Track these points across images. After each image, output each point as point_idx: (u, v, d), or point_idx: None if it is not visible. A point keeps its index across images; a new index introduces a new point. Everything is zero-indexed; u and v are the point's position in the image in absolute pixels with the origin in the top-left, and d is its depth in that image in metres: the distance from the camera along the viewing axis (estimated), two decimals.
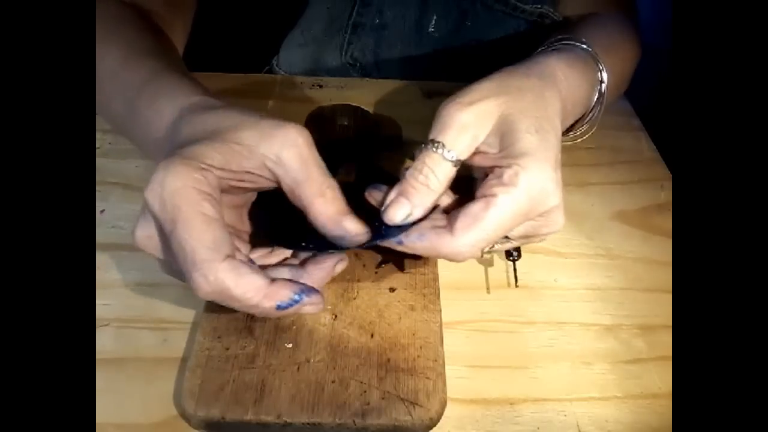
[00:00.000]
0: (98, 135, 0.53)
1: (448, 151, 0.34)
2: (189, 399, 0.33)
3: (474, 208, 0.33)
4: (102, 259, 0.43)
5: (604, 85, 0.44)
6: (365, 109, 0.56)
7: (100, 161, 0.50)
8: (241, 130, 0.32)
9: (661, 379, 0.39)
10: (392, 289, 0.40)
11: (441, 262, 0.42)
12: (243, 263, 0.30)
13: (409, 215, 0.34)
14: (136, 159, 0.51)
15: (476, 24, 0.62)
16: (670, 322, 0.42)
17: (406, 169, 0.35)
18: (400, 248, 0.35)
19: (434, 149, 0.34)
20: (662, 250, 0.47)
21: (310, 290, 0.32)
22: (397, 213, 0.34)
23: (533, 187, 0.33)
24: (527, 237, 0.37)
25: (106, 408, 0.34)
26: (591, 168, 0.55)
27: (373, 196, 0.36)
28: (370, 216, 0.35)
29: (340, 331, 0.37)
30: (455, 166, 0.35)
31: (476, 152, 0.35)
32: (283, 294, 0.31)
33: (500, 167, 0.34)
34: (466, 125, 0.34)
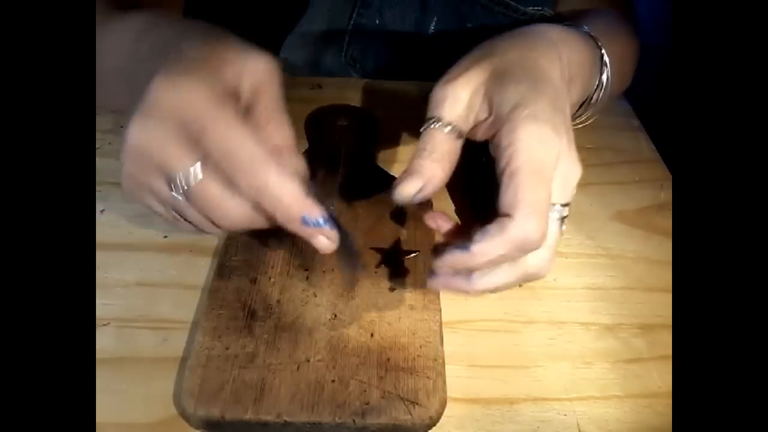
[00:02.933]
0: (98, 135, 0.53)
1: (447, 124, 0.33)
2: (189, 398, 0.33)
3: (503, 186, 0.31)
4: (102, 259, 0.43)
5: (606, 66, 0.43)
6: (365, 109, 0.56)
7: (100, 161, 0.50)
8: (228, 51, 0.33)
9: (661, 378, 0.39)
10: (392, 289, 0.40)
11: None
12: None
13: (420, 190, 0.33)
14: None
15: (476, 26, 0.62)
16: (670, 322, 0.42)
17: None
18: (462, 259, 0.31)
19: (433, 125, 0.34)
20: (662, 249, 0.47)
21: (335, 224, 0.32)
22: (407, 188, 0.33)
23: (532, 138, 0.31)
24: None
25: (106, 408, 0.34)
26: (591, 168, 0.55)
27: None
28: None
29: (339, 331, 0.37)
30: (458, 137, 0.34)
31: (476, 125, 0.35)
32: (314, 211, 0.31)
33: (498, 131, 0.33)
34: (457, 97, 0.34)
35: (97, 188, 0.48)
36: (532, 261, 0.33)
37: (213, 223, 0.32)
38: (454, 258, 0.32)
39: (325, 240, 0.32)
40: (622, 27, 0.55)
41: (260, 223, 0.32)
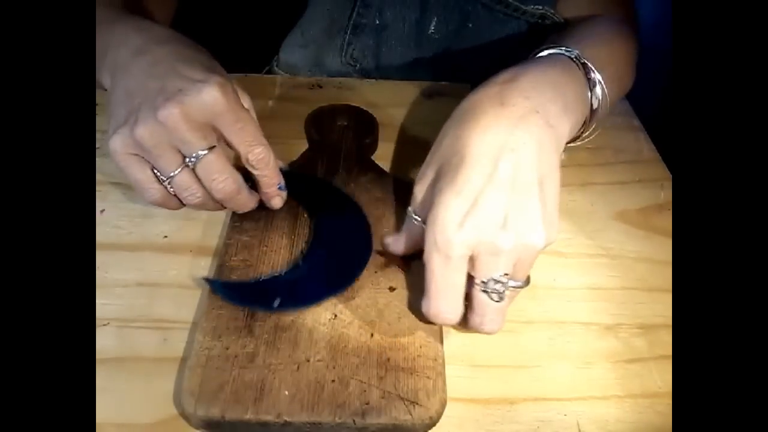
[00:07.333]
0: (98, 135, 0.53)
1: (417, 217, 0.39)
2: (189, 398, 0.33)
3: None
4: (102, 259, 0.43)
5: (599, 86, 0.43)
6: (365, 109, 0.56)
7: (100, 161, 0.50)
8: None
9: (661, 378, 0.39)
10: (392, 289, 0.40)
11: None
12: None
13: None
14: None
15: (477, 25, 0.62)
16: (670, 322, 0.42)
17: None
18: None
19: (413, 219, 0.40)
20: (662, 249, 0.47)
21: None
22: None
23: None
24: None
25: (106, 408, 0.34)
26: (591, 168, 0.55)
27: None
28: None
29: (339, 331, 0.37)
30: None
31: None
32: (282, 181, 0.43)
33: None
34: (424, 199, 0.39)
35: (97, 188, 0.48)
36: (473, 324, 0.37)
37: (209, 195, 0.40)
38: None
39: (280, 201, 0.44)
40: (617, 31, 0.54)
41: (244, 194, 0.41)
